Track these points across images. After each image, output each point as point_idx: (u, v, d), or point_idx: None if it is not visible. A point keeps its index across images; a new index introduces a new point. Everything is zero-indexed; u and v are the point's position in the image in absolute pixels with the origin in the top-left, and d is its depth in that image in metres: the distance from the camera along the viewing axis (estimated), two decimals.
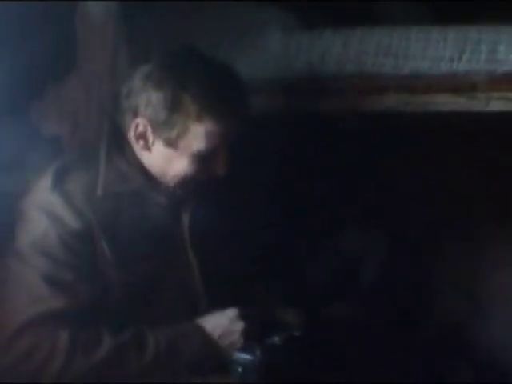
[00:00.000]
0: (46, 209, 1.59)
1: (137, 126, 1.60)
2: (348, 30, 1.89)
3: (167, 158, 1.61)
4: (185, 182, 1.63)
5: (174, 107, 1.55)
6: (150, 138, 1.60)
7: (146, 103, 1.58)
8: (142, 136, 1.61)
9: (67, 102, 1.93)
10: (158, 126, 1.58)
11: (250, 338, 1.58)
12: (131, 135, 1.62)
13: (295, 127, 1.98)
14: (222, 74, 1.60)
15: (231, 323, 1.59)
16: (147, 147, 1.62)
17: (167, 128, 1.57)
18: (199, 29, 1.98)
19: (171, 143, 1.59)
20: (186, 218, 1.67)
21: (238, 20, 1.99)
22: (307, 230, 2.13)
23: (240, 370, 1.55)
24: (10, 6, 1.83)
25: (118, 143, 1.66)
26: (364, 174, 2.18)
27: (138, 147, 1.63)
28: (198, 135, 1.56)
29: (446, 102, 1.82)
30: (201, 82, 1.55)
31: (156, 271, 1.64)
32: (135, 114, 1.60)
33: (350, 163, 2.15)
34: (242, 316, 1.60)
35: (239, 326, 1.59)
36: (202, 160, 1.59)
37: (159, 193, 1.65)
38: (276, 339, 1.57)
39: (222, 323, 1.60)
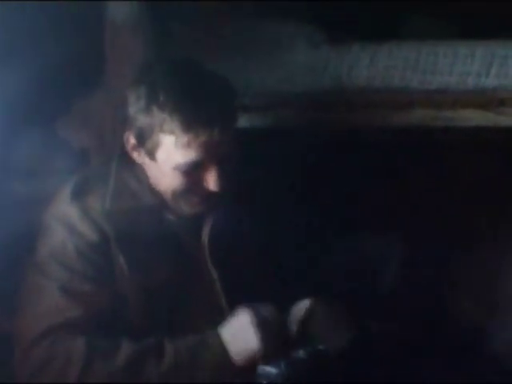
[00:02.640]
0: (64, 220, 1.60)
1: (128, 140, 1.61)
2: (376, 45, 1.89)
3: (156, 172, 1.60)
4: (181, 197, 1.60)
5: (146, 118, 1.54)
6: (140, 150, 1.60)
7: (131, 116, 1.58)
8: (135, 149, 1.61)
9: (94, 115, 1.94)
10: (138, 138, 1.58)
11: (269, 346, 1.54)
12: (127, 148, 1.62)
13: (322, 141, 1.98)
14: (197, 85, 1.56)
15: (245, 328, 1.55)
16: (143, 161, 1.62)
17: (144, 139, 1.56)
18: (226, 44, 2.00)
19: (151, 156, 1.58)
20: (205, 234, 1.65)
21: (266, 35, 2.00)
22: (329, 237, 2.13)
23: (265, 383, 1.54)
24: (38, 19, 1.85)
25: (128, 160, 1.65)
26: (390, 189, 2.17)
27: (142, 163, 1.63)
28: (171, 147, 1.53)
29: (474, 118, 1.82)
30: (169, 92, 1.52)
31: (175, 287, 1.63)
32: (127, 127, 1.61)
33: (376, 178, 2.14)
34: (257, 321, 1.54)
35: (252, 330, 1.53)
36: (188, 175, 1.56)
37: (168, 210, 1.64)
38: (301, 353, 1.56)
39: (236, 328, 1.56)
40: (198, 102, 1.52)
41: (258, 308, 1.56)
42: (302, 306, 1.62)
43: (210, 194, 1.58)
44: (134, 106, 1.56)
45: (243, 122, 1.92)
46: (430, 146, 2.00)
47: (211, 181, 1.56)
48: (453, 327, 2.23)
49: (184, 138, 1.51)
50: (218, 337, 1.55)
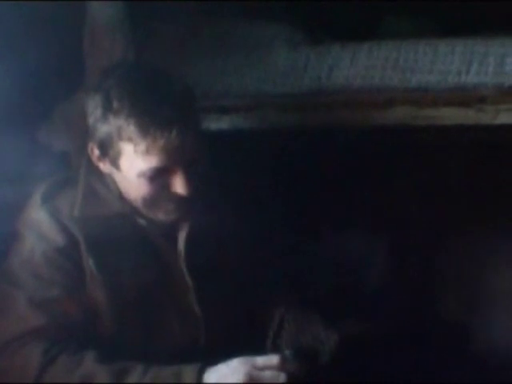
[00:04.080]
0: (34, 226, 1.59)
1: (92, 150, 1.59)
2: (356, 45, 1.89)
3: (122, 181, 1.57)
4: (152, 205, 1.56)
5: (104, 127, 1.51)
6: (104, 161, 1.58)
7: (91, 126, 1.56)
8: (100, 160, 1.59)
9: (75, 119, 1.93)
10: (101, 148, 1.56)
11: None
12: (94, 160, 1.60)
13: (303, 141, 1.98)
14: (152, 89, 1.51)
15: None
16: (110, 171, 1.59)
17: (106, 149, 1.54)
18: (206, 45, 1.99)
19: (115, 165, 1.55)
20: (181, 241, 1.61)
21: (246, 36, 2.00)
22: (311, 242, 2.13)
23: None
24: (16, 20, 1.84)
25: (97, 168, 1.62)
26: (372, 188, 2.17)
27: (109, 172, 1.60)
28: (132, 155, 1.50)
29: (454, 116, 1.82)
30: (123, 98, 1.49)
31: (148, 294, 1.60)
32: (90, 138, 1.58)
33: (358, 177, 2.14)
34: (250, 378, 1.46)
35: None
36: (154, 181, 1.52)
37: (141, 216, 1.61)
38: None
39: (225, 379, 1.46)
40: (153, 105, 1.48)
41: (255, 362, 1.47)
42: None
43: (183, 199, 1.55)
44: (92, 116, 1.54)
45: (223, 123, 1.93)
46: (410, 144, 2.00)
47: (179, 186, 1.52)
48: (439, 324, 2.24)
49: (142, 144, 1.47)
50: (194, 376, 1.47)
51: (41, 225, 1.58)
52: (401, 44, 1.86)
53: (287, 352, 1.53)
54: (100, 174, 1.63)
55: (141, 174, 1.51)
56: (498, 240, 2.16)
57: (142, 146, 1.48)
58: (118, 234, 1.60)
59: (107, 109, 1.50)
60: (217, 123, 1.92)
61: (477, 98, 1.79)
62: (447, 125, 1.82)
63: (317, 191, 2.10)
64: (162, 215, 1.58)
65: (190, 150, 1.51)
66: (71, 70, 1.94)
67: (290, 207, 2.01)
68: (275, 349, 1.57)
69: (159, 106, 1.48)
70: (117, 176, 1.59)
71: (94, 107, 1.53)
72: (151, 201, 1.55)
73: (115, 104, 1.49)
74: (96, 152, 1.58)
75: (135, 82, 1.53)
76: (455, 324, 2.23)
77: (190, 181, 1.52)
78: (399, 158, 2.07)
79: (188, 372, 1.47)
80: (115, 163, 1.55)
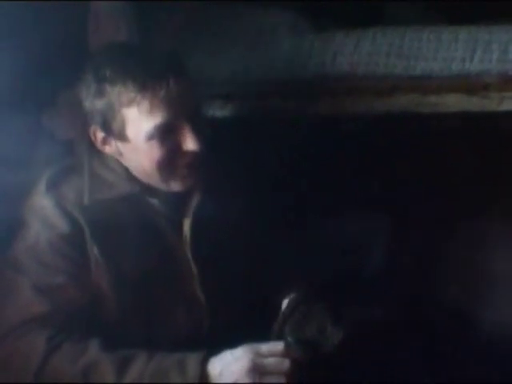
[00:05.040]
0: (38, 213, 1.59)
1: (95, 134, 1.59)
2: (360, 32, 1.89)
3: (133, 155, 1.57)
4: (168, 172, 1.57)
5: (102, 99, 1.52)
6: (110, 141, 1.58)
7: (89, 109, 1.56)
8: (105, 141, 1.59)
9: (78, 106, 1.93)
10: (104, 126, 1.56)
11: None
12: (98, 145, 1.60)
13: (307, 128, 1.98)
14: (139, 51, 1.59)
15: (239, 373, 1.45)
16: (118, 152, 1.59)
17: (110, 124, 1.54)
18: (209, 33, 1.99)
19: (122, 138, 1.55)
20: (187, 227, 1.62)
21: (251, 22, 2.00)
22: (315, 226, 2.13)
23: None
24: (21, 8, 1.84)
25: (98, 152, 1.63)
26: (375, 175, 2.17)
27: (115, 155, 1.60)
28: (137, 118, 1.51)
29: (458, 103, 1.82)
30: (115, 65, 1.52)
31: (152, 280, 1.61)
32: (90, 123, 1.59)
33: (361, 164, 2.14)
34: (254, 366, 1.45)
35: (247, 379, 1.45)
36: (164, 142, 1.53)
37: (152, 195, 1.61)
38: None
39: (229, 368, 1.46)
40: (145, 63, 1.52)
41: (259, 349, 1.48)
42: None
43: (195, 162, 1.56)
44: (88, 97, 1.55)
45: (227, 111, 1.93)
46: (414, 131, 2.00)
47: (189, 141, 1.53)
48: (440, 311, 2.24)
49: (145, 102, 1.49)
50: (198, 365, 1.47)
51: (45, 212, 1.58)
52: (405, 31, 1.86)
53: (290, 339, 1.54)
54: (103, 159, 1.63)
55: (149, 136, 1.52)
56: (500, 226, 2.17)
57: (145, 104, 1.50)
58: (123, 220, 1.60)
59: (102, 80, 1.52)
60: (221, 110, 1.93)
61: (481, 86, 1.80)
62: (451, 112, 1.82)
63: (320, 179, 2.10)
64: (176, 184, 1.59)
65: (189, 100, 1.54)
66: (75, 57, 1.93)
67: (292, 194, 2.01)
68: (281, 336, 1.57)
69: (151, 62, 1.52)
70: (126, 152, 1.58)
71: (87, 87, 1.54)
72: (166, 166, 1.55)
73: (108, 73, 1.51)
74: (99, 135, 1.58)
75: (123, 50, 1.59)
76: (457, 310, 2.24)
77: (198, 135, 1.54)
78: (403, 144, 2.07)
79: (192, 360, 1.47)
80: (122, 135, 1.54)
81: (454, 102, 1.82)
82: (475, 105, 1.80)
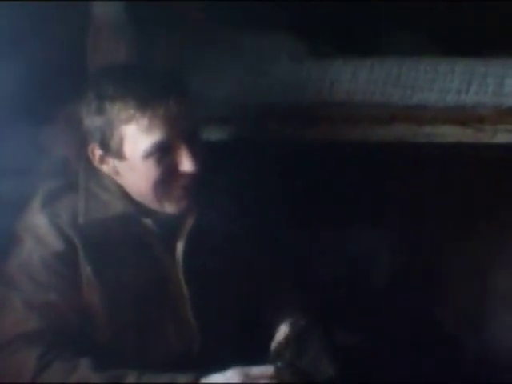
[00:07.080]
0: (33, 231, 1.59)
1: (93, 152, 1.59)
2: (358, 60, 1.91)
3: (129, 174, 1.57)
4: (163, 193, 1.57)
5: (102, 117, 1.53)
6: (108, 159, 1.59)
7: (88, 127, 1.57)
8: (102, 160, 1.59)
9: (76, 123, 1.94)
10: (102, 143, 1.56)
11: None
12: (95, 163, 1.61)
13: (303, 154, 1.99)
14: (141, 69, 1.62)
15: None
16: (115, 171, 1.59)
17: (108, 141, 1.54)
18: (210, 54, 2.00)
19: (119, 155, 1.55)
20: (180, 249, 1.62)
21: (249, 47, 2.01)
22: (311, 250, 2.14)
23: None
24: (20, 20, 1.85)
25: (94, 171, 1.63)
26: (370, 203, 2.18)
27: (112, 173, 1.61)
28: (134, 135, 1.51)
29: (453, 134, 1.84)
30: (116, 83, 1.53)
31: (144, 301, 1.61)
32: (88, 142, 1.59)
33: (356, 191, 2.15)
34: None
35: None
36: (161, 162, 1.53)
37: (146, 216, 1.61)
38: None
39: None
40: (147, 79, 1.54)
41: (250, 372, 1.48)
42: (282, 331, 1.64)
43: (190, 183, 1.56)
44: (88, 116, 1.56)
45: (224, 134, 1.94)
46: (409, 161, 2.01)
47: (186, 162, 1.53)
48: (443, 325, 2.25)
49: (144, 119, 1.50)
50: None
51: (39, 229, 1.58)
52: (402, 61, 1.88)
53: (279, 364, 1.53)
54: (99, 178, 1.63)
55: (146, 154, 1.52)
56: (498, 251, 2.19)
57: (144, 121, 1.50)
58: (117, 240, 1.60)
59: (102, 98, 1.52)
60: (218, 133, 1.93)
61: (476, 118, 1.82)
62: (446, 142, 1.84)
63: (316, 204, 2.11)
64: (170, 205, 1.59)
65: (188, 121, 1.55)
66: (74, 76, 1.94)
67: (288, 220, 2.02)
68: (281, 361, 1.58)
69: (153, 80, 1.54)
70: (122, 171, 1.58)
71: (88, 105, 1.55)
72: (161, 186, 1.55)
73: (110, 91, 1.52)
74: (97, 152, 1.58)
75: (125, 69, 1.63)
76: (460, 325, 2.24)
77: (194, 157, 1.54)
78: (398, 173, 2.09)
79: (183, 380, 1.48)
80: (119, 153, 1.55)
81: (448, 133, 1.84)
82: (470, 136, 1.82)
